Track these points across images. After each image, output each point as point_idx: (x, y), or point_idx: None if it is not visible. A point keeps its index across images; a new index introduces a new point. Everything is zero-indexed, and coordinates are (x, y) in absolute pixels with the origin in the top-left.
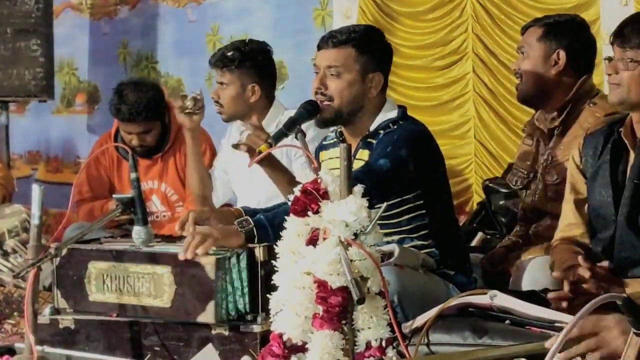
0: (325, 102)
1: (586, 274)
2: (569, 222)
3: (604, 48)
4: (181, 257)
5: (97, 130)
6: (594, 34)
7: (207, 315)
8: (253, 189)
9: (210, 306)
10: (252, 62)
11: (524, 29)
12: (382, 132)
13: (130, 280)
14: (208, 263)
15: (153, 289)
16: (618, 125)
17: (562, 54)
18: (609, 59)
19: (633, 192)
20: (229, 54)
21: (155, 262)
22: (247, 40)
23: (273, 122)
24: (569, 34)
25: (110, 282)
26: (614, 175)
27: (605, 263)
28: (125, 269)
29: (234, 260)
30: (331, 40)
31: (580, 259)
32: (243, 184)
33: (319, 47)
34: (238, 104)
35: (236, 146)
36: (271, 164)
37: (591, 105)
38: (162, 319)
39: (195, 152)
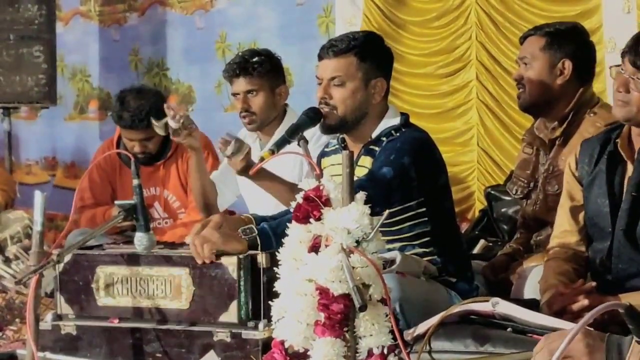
0: (330, 111)
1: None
2: (564, 229)
3: (606, 56)
4: (199, 261)
5: (109, 137)
6: (596, 42)
7: (229, 315)
8: (262, 196)
9: (233, 306)
10: (275, 65)
11: (523, 38)
12: (384, 139)
13: (143, 283)
14: (230, 263)
15: (169, 290)
16: (615, 135)
17: (568, 63)
18: (616, 69)
19: (631, 204)
20: (254, 59)
21: (172, 264)
22: (255, 48)
23: None
24: (573, 43)
25: (122, 286)
26: (610, 186)
27: (591, 284)
28: (138, 272)
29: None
30: (331, 49)
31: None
32: (251, 190)
33: (320, 57)
34: (270, 108)
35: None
36: (265, 176)
37: (591, 115)
38: (181, 322)
39: (200, 168)
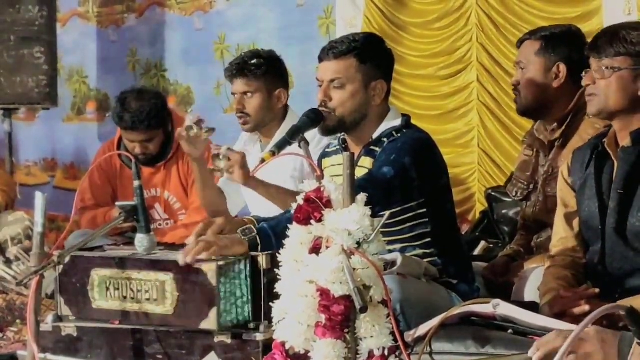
0: (329, 113)
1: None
2: (561, 237)
3: None
4: (181, 262)
5: (108, 138)
6: None
7: (209, 322)
8: (264, 199)
9: (213, 313)
10: (274, 68)
11: (520, 42)
12: (385, 140)
13: (133, 287)
14: (210, 270)
15: (156, 295)
16: (602, 137)
17: (563, 67)
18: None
19: (618, 201)
20: (252, 61)
21: (158, 268)
22: (259, 49)
23: None
24: (567, 46)
25: (114, 289)
26: (599, 186)
27: (594, 290)
28: (128, 276)
29: (237, 267)
30: (332, 51)
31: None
32: (254, 193)
33: (320, 59)
34: (265, 111)
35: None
36: (259, 182)
37: (590, 116)
38: (165, 326)
39: (203, 179)
